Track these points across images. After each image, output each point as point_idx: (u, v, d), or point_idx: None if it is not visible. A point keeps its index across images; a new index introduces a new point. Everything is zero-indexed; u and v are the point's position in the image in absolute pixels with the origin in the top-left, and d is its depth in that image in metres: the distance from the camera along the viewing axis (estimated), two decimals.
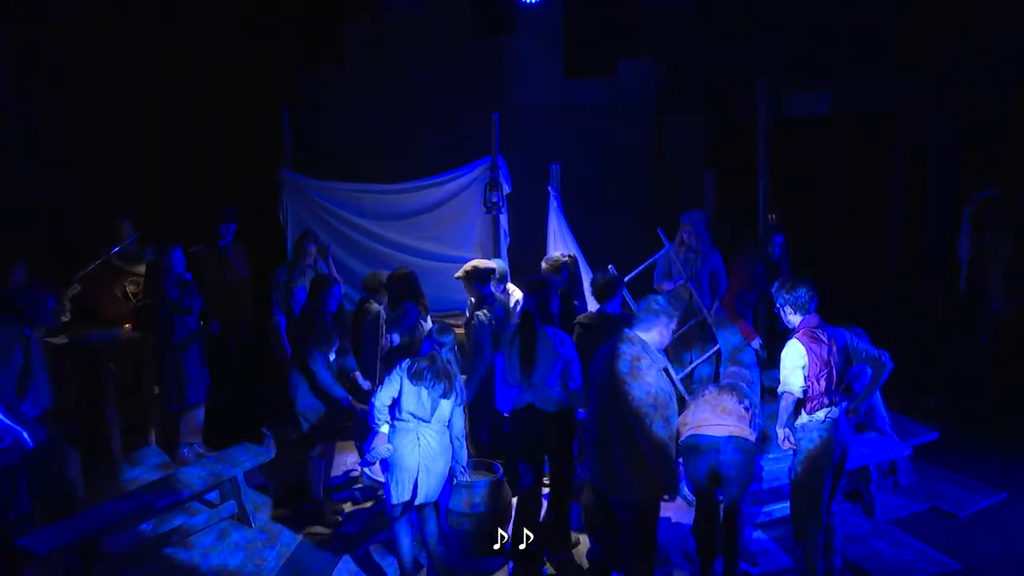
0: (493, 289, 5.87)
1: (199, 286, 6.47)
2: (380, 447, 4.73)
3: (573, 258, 5.85)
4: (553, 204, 7.18)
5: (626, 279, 6.67)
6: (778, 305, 4.45)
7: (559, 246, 7.17)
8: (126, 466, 6.36)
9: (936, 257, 8.46)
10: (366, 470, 4.73)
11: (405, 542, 4.76)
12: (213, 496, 5.76)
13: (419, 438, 4.64)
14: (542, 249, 7.31)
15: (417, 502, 4.68)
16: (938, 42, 8.68)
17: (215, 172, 8.45)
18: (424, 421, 4.65)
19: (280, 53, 9.04)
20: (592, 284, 5.51)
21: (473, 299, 5.85)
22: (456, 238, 7.22)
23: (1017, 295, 7.06)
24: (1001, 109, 8.20)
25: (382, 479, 4.68)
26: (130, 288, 7.04)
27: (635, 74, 9.58)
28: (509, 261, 7.15)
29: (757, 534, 5.27)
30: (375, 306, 5.89)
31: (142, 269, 6.95)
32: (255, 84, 8.75)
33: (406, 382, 4.63)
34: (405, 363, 4.68)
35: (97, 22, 8.46)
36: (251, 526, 5.56)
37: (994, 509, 5.54)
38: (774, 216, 7.40)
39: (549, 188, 7.22)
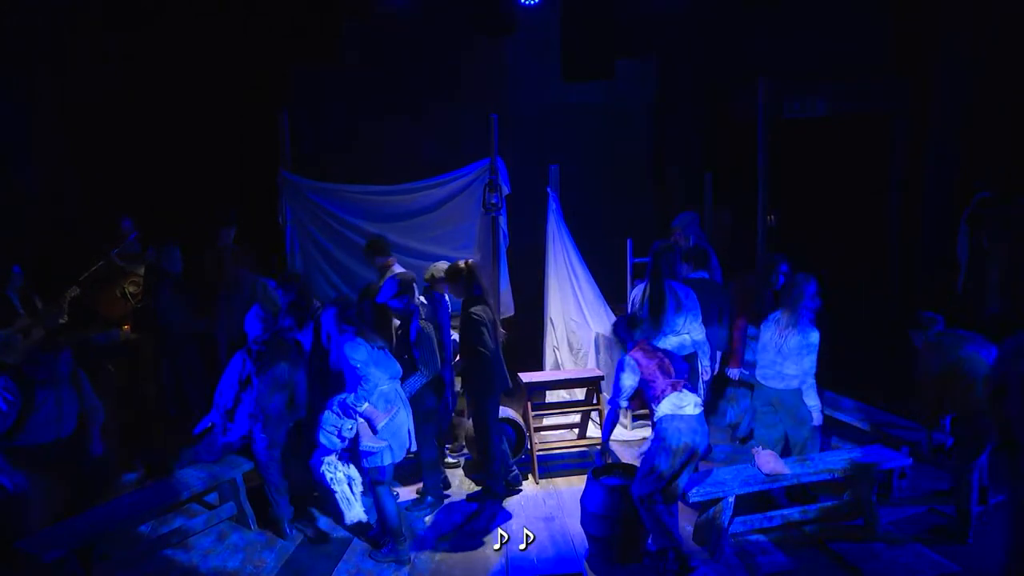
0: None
1: (198, 288, 6.47)
2: (378, 415, 4.94)
3: (470, 265, 5.78)
4: (552, 205, 7.19)
5: (639, 260, 6.98)
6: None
7: (558, 247, 7.20)
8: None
9: (934, 259, 8.48)
10: (369, 444, 4.94)
11: (391, 503, 5.11)
12: (211, 498, 5.78)
13: (398, 395, 5.06)
14: (541, 250, 7.33)
15: (413, 449, 5.19)
16: (935, 43, 8.69)
17: (215, 174, 8.45)
18: (396, 379, 5.08)
19: (278, 54, 9.03)
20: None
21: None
22: (455, 239, 7.23)
23: (1015, 296, 7.07)
24: (999, 111, 8.21)
25: (382, 442, 4.96)
26: (130, 289, 7.05)
27: (633, 75, 9.59)
28: (508, 262, 7.17)
29: (756, 536, 5.29)
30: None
31: (142, 270, 6.95)
32: (254, 86, 8.75)
33: (375, 353, 4.94)
34: (362, 346, 4.91)
35: (98, 24, 8.46)
36: (250, 528, 5.56)
37: (992, 511, 5.54)
38: (772, 217, 7.43)
39: (548, 189, 7.23)
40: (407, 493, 6.05)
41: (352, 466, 5.11)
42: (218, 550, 5.32)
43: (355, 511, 5.05)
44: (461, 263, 5.74)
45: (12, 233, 7.46)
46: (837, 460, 5.44)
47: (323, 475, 5.00)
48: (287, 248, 7.39)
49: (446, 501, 5.94)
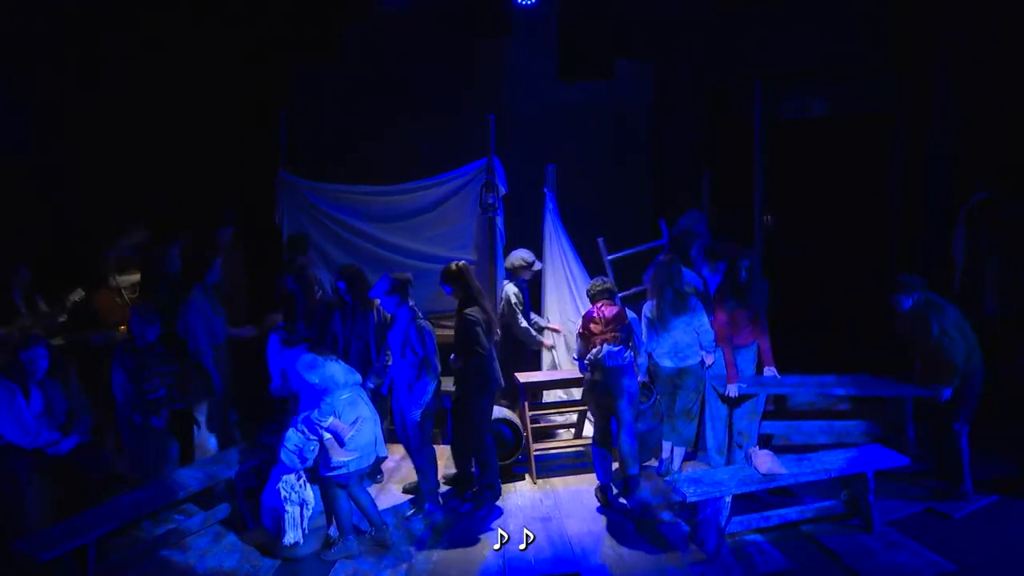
0: None
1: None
2: (344, 427, 4.98)
3: (462, 266, 5.76)
4: (549, 206, 7.20)
5: (613, 256, 7.24)
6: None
7: (555, 248, 7.20)
8: None
9: (933, 259, 8.46)
10: (339, 459, 5.03)
11: (346, 505, 5.14)
12: None
13: (363, 402, 5.10)
14: (539, 250, 7.33)
15: (381, 454, 5.30)
16: (935, 43, 8.68)
17: (214, 175, 8.46)
18: (356, 386, 5.11)
19: (278, 54, 9.04)
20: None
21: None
22: (452, 240, 7.22)
23: (1013, 296, 7.06)
24: (999, 111, 8.20)
25: (352, 454, 5.04)
26: (127, 291, 7.03)
27: (633, 76, 9.58)
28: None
29: (753, 536, 5.30)
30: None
31: (139, 271, 6.94)
32: (254, 86, 8.76)
33: (329, 365, 4.99)
34: (315, 359, 4.99)
35: (98, 24, 8.47)
36: (246, 527, 5.56)
37: (989, 510, 5.55)
38: (769, 217, 7.43)
39: (545, 190, 7.23)
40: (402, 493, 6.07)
41: (309, 488, 5.16)
42: (215, 550, 5.32)
43: (295, 535, 5.13)
44: (452, 265, 5.76)
45: (11, 233, 7.47)
46: (834, 459, 5.44)
47: (278, 491, 5.08)
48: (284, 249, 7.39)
49: (443, 501, 5.94)
